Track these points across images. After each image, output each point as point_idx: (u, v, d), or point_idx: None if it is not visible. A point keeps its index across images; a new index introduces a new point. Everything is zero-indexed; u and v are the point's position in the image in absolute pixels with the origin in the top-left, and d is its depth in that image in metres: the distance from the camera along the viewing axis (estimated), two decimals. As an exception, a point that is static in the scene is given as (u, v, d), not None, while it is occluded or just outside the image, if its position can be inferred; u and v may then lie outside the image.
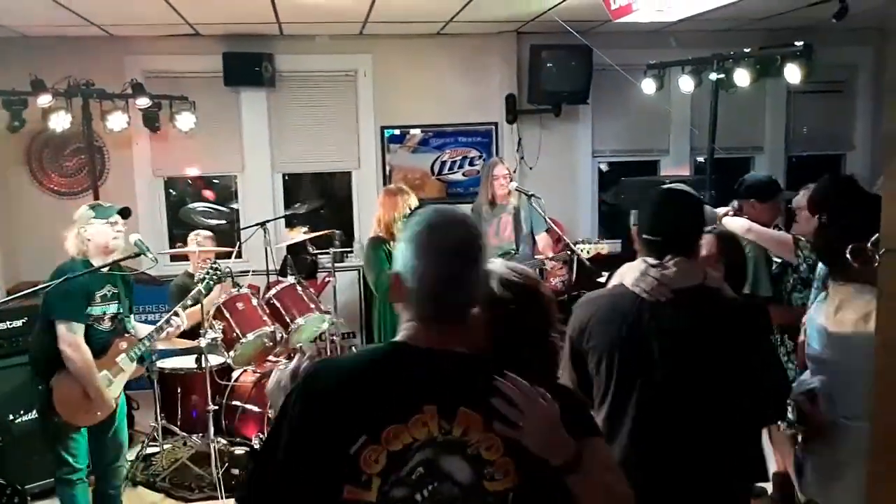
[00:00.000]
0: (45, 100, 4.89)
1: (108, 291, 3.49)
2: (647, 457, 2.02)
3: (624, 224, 5.57)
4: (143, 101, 5.35)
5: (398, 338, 1.44)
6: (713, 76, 5.18)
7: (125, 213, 3.53)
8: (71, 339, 3.29)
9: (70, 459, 3.44)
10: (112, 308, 3.51)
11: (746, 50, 5.02)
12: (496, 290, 1.60)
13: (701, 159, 6.47)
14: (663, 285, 2.04)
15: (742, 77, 4.94)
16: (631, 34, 6.03)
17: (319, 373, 1.47)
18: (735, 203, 4.00)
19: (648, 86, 5.65)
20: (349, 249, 6.41)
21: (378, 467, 1.30)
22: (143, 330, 3.71)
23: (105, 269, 3.41)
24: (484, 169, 5.56)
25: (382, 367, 1.41)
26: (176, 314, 3.72)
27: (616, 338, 2.08)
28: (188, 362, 4.45)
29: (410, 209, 4.18)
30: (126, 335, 3.58)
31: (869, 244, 1.72)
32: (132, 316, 3.77)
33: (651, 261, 2.11)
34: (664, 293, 2.04)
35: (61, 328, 3.29)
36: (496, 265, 1.66)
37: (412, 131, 6.49)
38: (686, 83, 5.41)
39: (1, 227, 5.79)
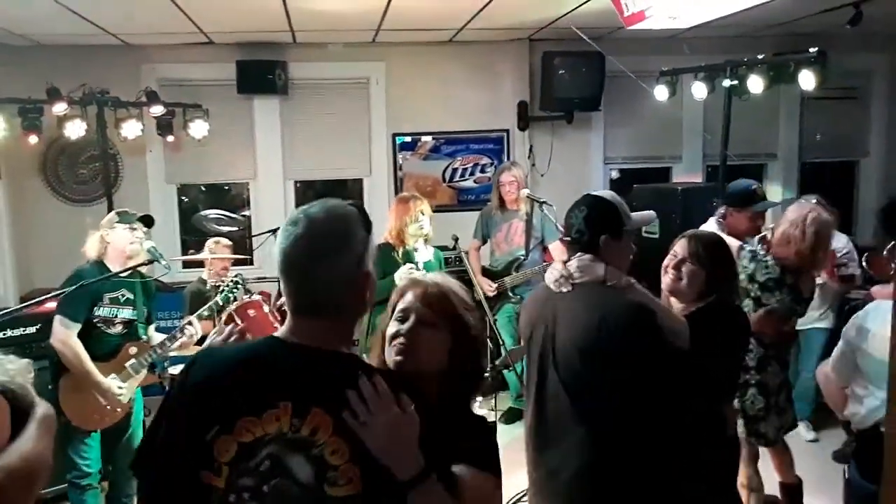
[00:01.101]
0: (60, 108, 4.92)
1: (122, 296, 3.52)
2: (543, 438, 2.36)
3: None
4: (158, 109, 5.38)
5: (278, 332, 1.47)
6: (726, 83, 5.16)
7: (148, 221, 3.60)
8: (62, 333, 3.35)
9: (80, 463, 3.45)
10: (125, 313, 3.54)
11: (760, 56, 5.01)
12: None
13: (713, 166, 6.44)
14: (564, 278, 2.32)
15: (755, 83, 4.92)
16: (643, 41, 6.02)
17: (198, 360, 1.52)
18: (721, 210, 3.96)
19: (661, 92, 5.64)
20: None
21: (228, 456, 1.34)
22: (159, 338, 3.72)
23: (124, 275, 3.44)
24: (494, 174, 5.56)
25: (251, 360, 1.44)
26: (190, 323, 3.72)
27: (530, 320, 2.45)
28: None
29: (422, 215, 4.18)
30: (138, 341, 3.59)
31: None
32: (152, 325, 3.80)
33: (564, 258, 2.40)
34: (563, 285, 2.32)
35: (55, 323, 3.38)
36: (438, 280, 1.78)
37: (424, 138, 6.50)
38: (699, 90, 5.39)
39: (16, 234, 5.84)
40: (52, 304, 3.43)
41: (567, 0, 4.83)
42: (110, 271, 3.48)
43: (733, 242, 3.48)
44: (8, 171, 5.74)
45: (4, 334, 4.17)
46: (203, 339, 4.00)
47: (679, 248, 2.63)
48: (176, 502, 1.38)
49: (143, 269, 3.61)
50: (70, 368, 3.37)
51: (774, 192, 6.71)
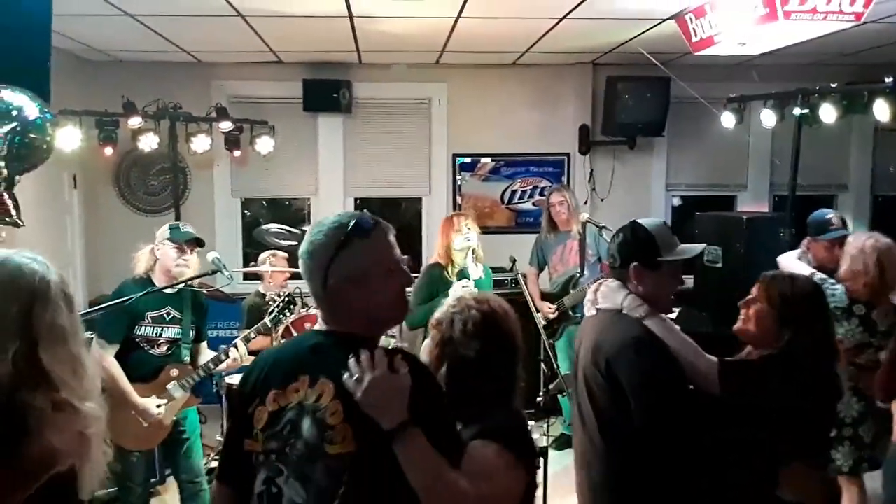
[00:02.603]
0: (135, 121, 5.11)
1: (167, 314, 3.42)
2: (576, 465, 2.41)
3: (696, 259, 5.43)
4: (226, 125, 5.54)
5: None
6: (797, 111, 5.03)
7: (200, 243, 3.47)
8: (96, 352, 3.27)
9: (125, 482, 3.40)
10: (170, 332, 3.43)
11: (833, 85, 4.87)
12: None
13: (781, 195, 6.27)
14: (590, 302, 2.36)
15: (827, 113, 4.78)
16: (711, 66, 5.92)
17: (260, 354, 1.88)
18: (805, 240, 3.86)
19: (728, 119, 5.53)
20: (416, 274, 6.43)
21: (261, 424, 1.61)
22: (207, 357, 3.63)
23: (170, 291, 3.39)
24: (545, 199, 5.55)
25: (291, 346, 1.79)
26: (235, 346, 3.63)
27: (577, 342, 2.47)
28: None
29: (468, 230, 4.15)
30: (180, 363, 3.48)
31: None
32: (203, 342, 3.68)
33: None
34: (590, 309, 2.37)
35: (93, 343, 3.35)
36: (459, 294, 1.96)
37: (483, 159, 6.52)
38: (768, 117, 5.27)
39: (88, 241, 6.06)
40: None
41: (633, 25, 4.80)
42: (158, 292, 3.37)
43: (805, 271, 3.39)
44: (83, 180, 5.98)
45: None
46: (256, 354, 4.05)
47: (755, 286, 2.43)
48: (238, 476, 1.66)
49: (206, 279, 3.58)
50: (106, 389, 3.35)
51: (844, 224, 6.48)
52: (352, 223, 1.63)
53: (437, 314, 1.95)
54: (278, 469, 1.57)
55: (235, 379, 4.62)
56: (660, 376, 2.12)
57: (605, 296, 2.29)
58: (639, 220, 2.33)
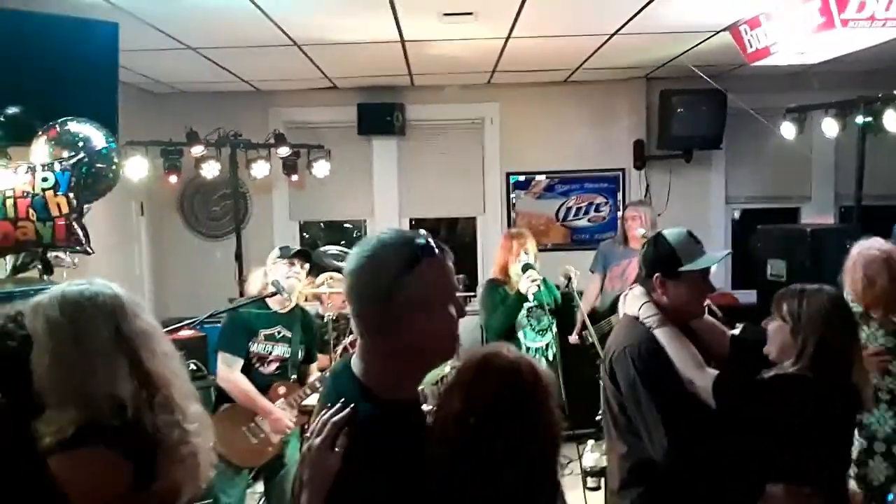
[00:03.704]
0: (198, 150, 5.29)
1: (277, 332, 3.50)
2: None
3: (759, 274, 5.29)
4: (284, 150, 5.68)
5: None
6: (860, 119, 4.88)
7: (306, 255, 3.58)
8: (224, 371, 3.40)
9: (222, 498, 3.43)
10: (279, 350, 3.51)
11: (895, 92, 4.71)
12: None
13: (847, 207, 6.07)
14: (620, 309, 2.46)
15: (892, 120, 4.62)
16: (768, 77, 5.81)
17: None
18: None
19: (788, 130, 5.40)
20: (472, 294, 6.44)
21: None
22: (316, 377, 3.68)
23: (280, 310, 3.50)
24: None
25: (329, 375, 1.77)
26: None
27: None
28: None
29: (527, 253, 4.12)
30: (287, 381, 3.54)
31: None
32: (314, 364, 3.75)
33: None
34: (619, 315, 2.49)
35: (218, 360, 3.42)
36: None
37: (537, 177, 6.51)
38: (830, 127, 5.13)
39: (154, 266, 6.28)
40: (186, 332, 3.55)
41: (685, 38, 4.75)
42: (269, 308, 3.49)
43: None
44: (150, 207, 6.21)
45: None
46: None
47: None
48: None
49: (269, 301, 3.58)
50: (238, 402, 3.40)
51: (916, 234, 6.22)
52: (419, 240, 1.44)
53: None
54: None
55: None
56: (648, 384, 2.19)
57: (628, 302, 2.39)
58: (663, 231, 2.40)
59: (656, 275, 2.31)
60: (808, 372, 2.16)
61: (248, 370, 3.45)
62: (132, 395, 1.55)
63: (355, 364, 1.47)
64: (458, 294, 1.53)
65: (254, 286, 3.58)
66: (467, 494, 1.38)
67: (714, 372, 2.18)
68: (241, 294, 3.59)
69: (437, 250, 1.45)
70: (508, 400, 1.42)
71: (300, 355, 3.62)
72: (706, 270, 2.33)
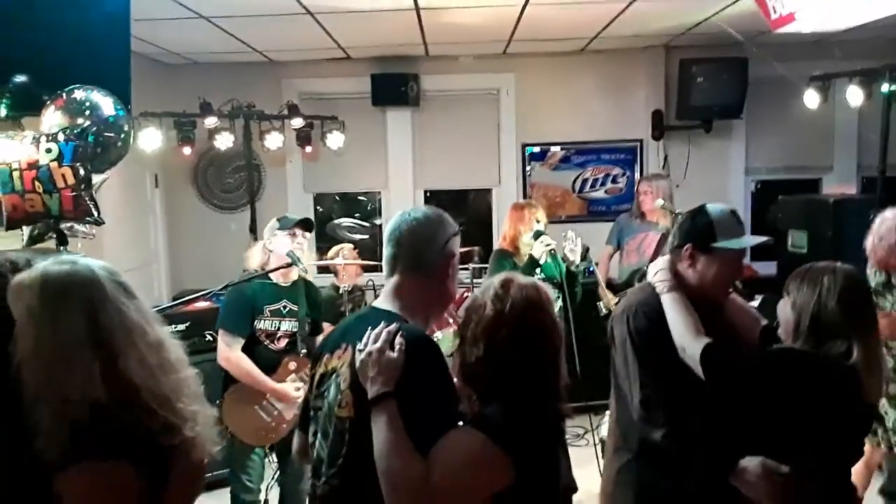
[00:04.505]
0: (211, 121, 5.26)
1: (284, 307, 3.41)
2: None
3: (780, 245, 5.22)
4: (298, 122, 5.64)
5: None
6: (885, 87, 4.76)
7: (307, 224, 3.47)
8: (224, 350, 3.29)
9: (243, 478, 3.39)
10: (287, 325, 3.42)
11: (924, 59, 4.59)
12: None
13: (870, 177, 5.96)
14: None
15: (919, 88, 4.51)
16: (791, 45, 5.67)
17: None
18: None
19: (811, 99, 5.28)
20: (487, 266, 6.41)
21: (315, 383, 1.82)
22: None
23: (283, 282, 3.40)
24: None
25: (352, 317, 2.05)
26: None
27: None
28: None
29: (537, 223, 4.05)
30: (297, 355, 3.46)
31: None
32: (320, 336, 3.62)
33: None
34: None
35: (219, 340, 3.32)
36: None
37: (553, 148, 6.43)
38: (854, 95, 5.01)
39: (170, 239, 6.30)
40: (201, 304, 3.49)
41: (707, 4, 4.64)
42: (274, 285, 3.39)
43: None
44: (164, 179, 6.21)
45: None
46: None
47: None
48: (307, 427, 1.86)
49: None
50: (242, 381, 3.32)
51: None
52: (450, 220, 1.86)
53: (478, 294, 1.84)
54: (317, 424, 1.77)
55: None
56: (636, 344, 2.20)
57: (650, 270, 2.34)
58: (707, 205, 2.31)
59: (688, 245, 2.23)
60: (806, 349, 2.06)
61: (257, 347, 3.37)
62: (108, 395, 1.44)
63: (385, 303, 1.80)
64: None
65: (254, 261, 3.46)
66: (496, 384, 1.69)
67: (707, 340, 2.10)
68: (259, 268, 3.46)
69: (458, 228, 1.88)
70: (530, 312, 1.71)
71: (307, 328, 3.54)
72: (739, 254, 2.25)
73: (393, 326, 1.64)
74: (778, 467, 1.98)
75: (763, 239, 2.44)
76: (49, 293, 1.47)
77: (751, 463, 2.01)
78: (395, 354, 1.59)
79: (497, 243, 6.40)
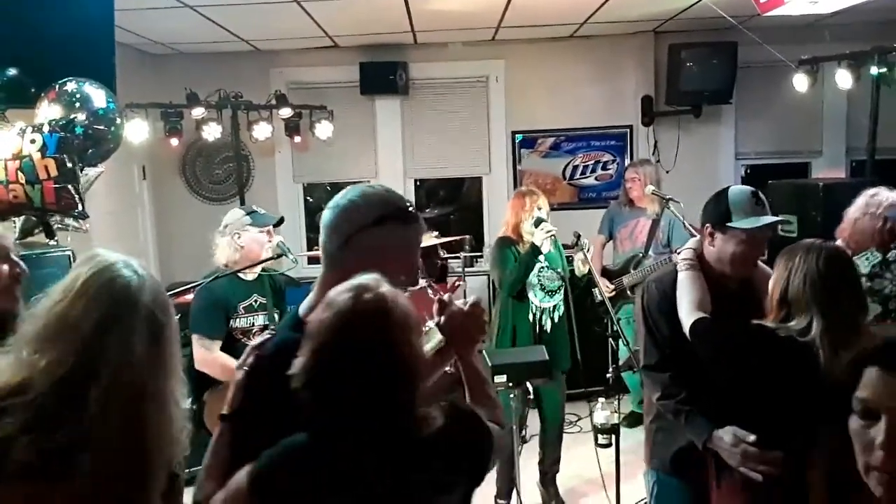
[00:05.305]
0: (198, 112, 5.22)
1: (255, 301, 3.36)
2: None
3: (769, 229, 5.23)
4: (286, 111, 5.60)
5: None
6: (874, 70, 4.77)
7: (279, 222, 3.45)
8: (200, 355, 3.19)
9: None
10: (260, 319, 3.37)
11: (912, 41, 4.60)
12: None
13: (859, 161, 5.99)
14: None
15: (908, 71, 4.52)
16: (780, 28, 5.67)
17: None
18: None
19: (801, 82, 5.29)
20: (479, 254, 6.41)
21: None
22: None
23: (250, 277, 3.34)
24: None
25: None
26: None
27: None
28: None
29: (539, 209, 4.03)
30: None
31: None
32: None
33: None
34: None
35: (194, 345, 3.20)
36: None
37: (543, 136, 6.42)
38: (843, 78, 5.02)
39: (158, 231, 6.25)
40: (190, 297, 3.43)
41: (696, -12, 4.62)
42: (243, 281, 3.32)
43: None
44: (151, 171, 6.16)
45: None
46: None
47: None
48: None
49: (272, 264, 3.48)
50: (225, 380, 3.15)
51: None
52: (397, 204, 1.66)
53: None
54: None
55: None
56: (647, 316, 2.43)
57: (683, 249, 2.51)
58: (731, 186, 2.47)
59: (707, 224, 2.39)
60: (769, 324, 2.08)
61: (233, 347, 3.25)
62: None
63: (306, 302, 1.71)
64: (415, 267, 1.76)
65: (222, 255, 3.35)
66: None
67: (700, 314, 2.23)
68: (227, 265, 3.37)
69: (409, 219, 1.66)
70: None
71: (276, 320, 3.44)
72: (756, 234, 2.30)
73: (260, 339, 1.70)
74: (746, 436, 2.09)
75: (776, 219, 2.45)
76: (118, 296, 1.46)
77: (725, 432, 2.15)
78: (238, 375, 1.64)
79: (487, 231, 6.46)
